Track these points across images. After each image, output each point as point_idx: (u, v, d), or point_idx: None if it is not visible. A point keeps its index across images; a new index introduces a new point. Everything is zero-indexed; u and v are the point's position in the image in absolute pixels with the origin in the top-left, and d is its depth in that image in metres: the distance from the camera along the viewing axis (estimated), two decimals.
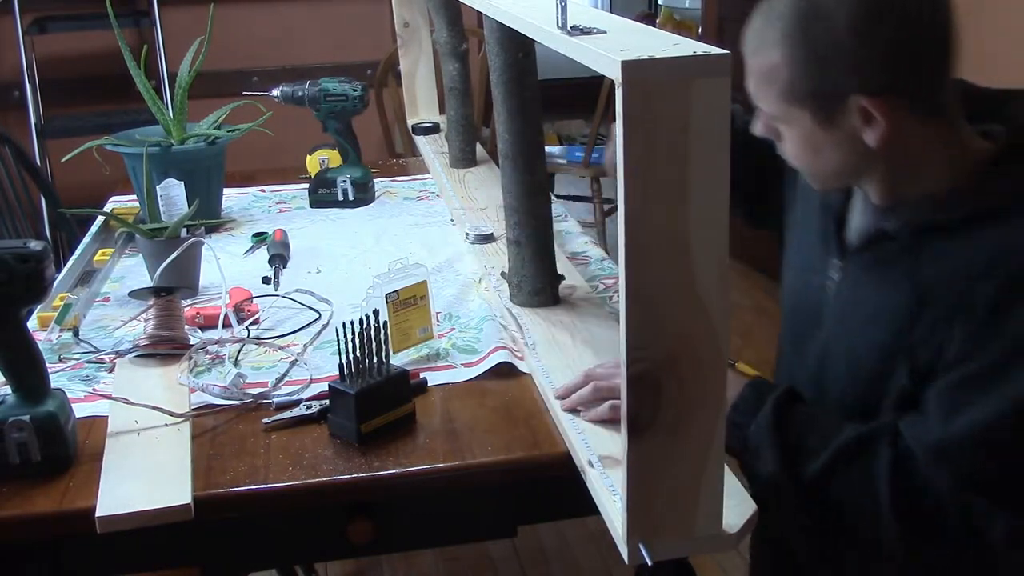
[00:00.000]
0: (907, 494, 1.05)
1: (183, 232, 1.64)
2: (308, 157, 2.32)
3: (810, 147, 1.12)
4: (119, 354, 1.42)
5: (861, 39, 1.04)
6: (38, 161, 3.61)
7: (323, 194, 2.12)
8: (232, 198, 2.19)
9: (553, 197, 1.65)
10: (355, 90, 2.07)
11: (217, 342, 1.44)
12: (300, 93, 2.07)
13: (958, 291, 1.05)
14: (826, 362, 1.22)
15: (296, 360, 1.38)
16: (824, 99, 1.07)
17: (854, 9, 1.03)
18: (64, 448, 1.15)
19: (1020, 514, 1.03)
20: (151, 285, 1.56)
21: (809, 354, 1.25)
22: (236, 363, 1.40)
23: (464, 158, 2.22)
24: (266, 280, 1.68)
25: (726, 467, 0.95)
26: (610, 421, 1.15)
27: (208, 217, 1.87)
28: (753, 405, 1.13)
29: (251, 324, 1.51)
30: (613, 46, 0.85)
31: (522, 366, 1.36)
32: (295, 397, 1.29)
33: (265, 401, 1.29)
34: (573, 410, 1.20)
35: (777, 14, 1.08)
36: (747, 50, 1.12)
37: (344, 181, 2.11)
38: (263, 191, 2.27)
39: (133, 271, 1.78)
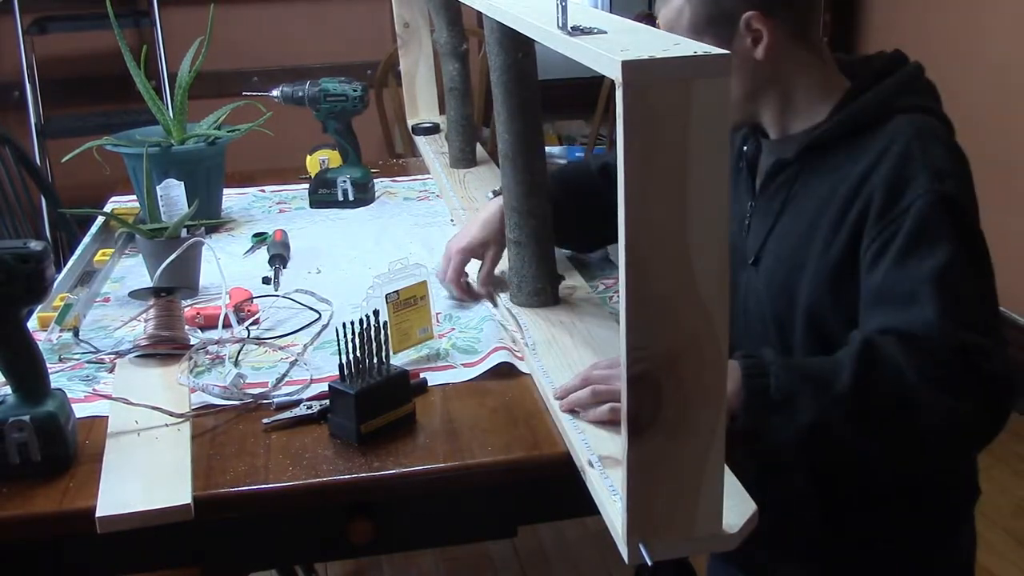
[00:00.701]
0: (926, 365, 1.10)
1: (183, 232, 1.64)
2: (308, 157, 2.32)
3: None
4: (119, 354, 1.42)
5: None
6: (38, 161, 3.61)
7: (323, 194, 2.12)
8: (232, 198, 2.19)
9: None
10: (355, 90, 2.07)
11: (217, 342, 1.44)
12: (300, 93, 2.07)
13: (851, 195, 1.24)
14: (748, 295, 1.40)
15: (296, 360, 1.38)
16: (721, 23, 1.29)
17: None
18: (64, 448, 1.15)
19: (1003, 346, 1.15)
20: (151, 285, 1.56)
21: (738, 294, 1.41)
22: (236, 363, 1.40)
23: (464, 158, 2.22)
24: (266, 280, 1.68)
25: (726, 467, 0.95)
26: (609, 423, 1.15)
27: (208, 217, 1.87)
28: (760, 368, 1.13)
29: (251, 324, 1.51)
30: (613, 46, 0.85)
31: (522, 366, 1.36)
32: (295, 397, 1.29)
33: (265, 401, 1.29)
34: (572, 410, 1.20)
35: None
36: (656, 10, 1.36)
37: (344, 181, 2.11)
38: (263, 191, 2.27)
39: (133, 271, 1.78)
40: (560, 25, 0.99)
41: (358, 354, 1.20)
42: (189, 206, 1.72)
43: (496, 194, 1.66)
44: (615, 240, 1.47)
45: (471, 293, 1.58)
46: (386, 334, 1.22)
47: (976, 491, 1.42)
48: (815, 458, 1.30)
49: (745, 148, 1.44)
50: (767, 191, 1.38)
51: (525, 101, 1.40)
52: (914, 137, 1.24)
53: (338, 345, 1.20)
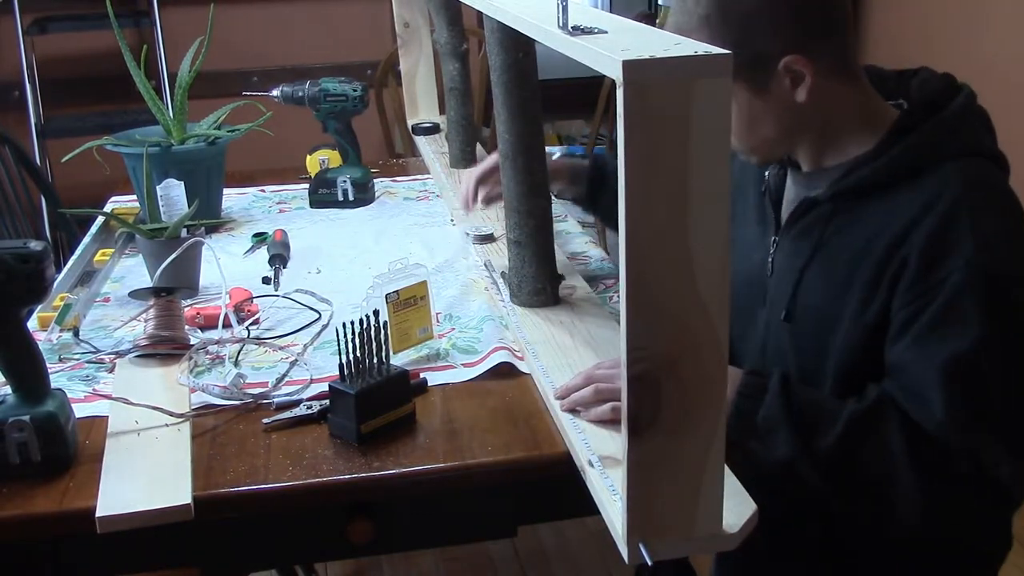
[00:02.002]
0: (923, 457, 1.07)
1: (183, 232, 1.64)
2: (308, 157, 2.32)
3: (748, 121, 1.21)
4: (119, 354, 1.42)
5: (772, 3, 1.16)
6: (38, 161, 3.61)
7: (323, 194, 2.12)
8: (232, 198, 2.19)
9: (553, 197, 1.65)
10: (355, 90, 2.07)
11: (217, 342, 1.44)
12: (300, 93, 2.07)
13: (888, 251, 1.14)
14: (768, 336, 1.31)
15: (296, 360, 1.38)
16: (755, 67, 1.17)
17: None
18: (64, 448, 1.15)
19: (1020, 454, 1.09)
20: (151, 285, 1.56)
21: (756, 331, 1.33)
22: (236, 363, 1.40)
23: (464, 158, 2.22)
24: (266, 280, 1.68)
25: (726, 467, 0.95)
26: (610, 422, 1.15)
27: (208, 217, 1.87)
28: (757, 390, 1.13)
29: (251, 324, 1.51)
30: (614, 46, 0.85)
31: (522, 366, 1.36)
32: (295, 397, 1.29)
33: (265, 401, 1.29)
34: (573, 410, 1.20)
35: (692, 1, 1.18)
36: None
37: (344, 181, 2.11)
38: (263, 191, 2.26)
39: (133, 271, 1.78)
40: (560, 25, 0.99)
41: (358, 354, 1.20)
42: (189, 206, 1.72)
43: None
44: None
45: (469, 203, 1.73)
46: (386, 334, 1.22)
47: (1008, 543, 1.28)
48: (789, 492, 1.23)
49: (767, 175, 1.34)
50: (793, 229, 1.26)
51: (525, 101, 1.40)
52: (963, 193, 1.12)
53: (338, 345, 1.20)
